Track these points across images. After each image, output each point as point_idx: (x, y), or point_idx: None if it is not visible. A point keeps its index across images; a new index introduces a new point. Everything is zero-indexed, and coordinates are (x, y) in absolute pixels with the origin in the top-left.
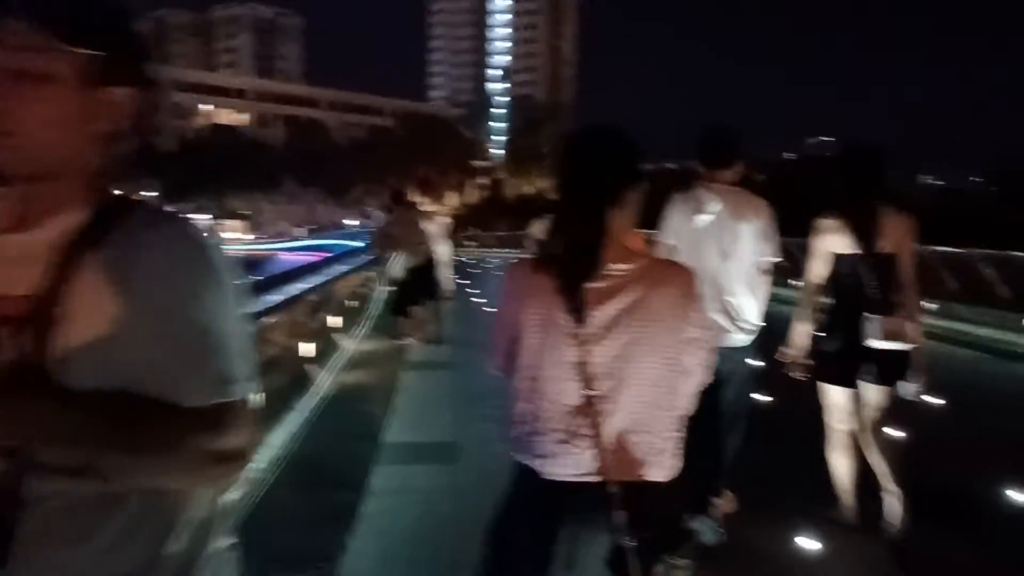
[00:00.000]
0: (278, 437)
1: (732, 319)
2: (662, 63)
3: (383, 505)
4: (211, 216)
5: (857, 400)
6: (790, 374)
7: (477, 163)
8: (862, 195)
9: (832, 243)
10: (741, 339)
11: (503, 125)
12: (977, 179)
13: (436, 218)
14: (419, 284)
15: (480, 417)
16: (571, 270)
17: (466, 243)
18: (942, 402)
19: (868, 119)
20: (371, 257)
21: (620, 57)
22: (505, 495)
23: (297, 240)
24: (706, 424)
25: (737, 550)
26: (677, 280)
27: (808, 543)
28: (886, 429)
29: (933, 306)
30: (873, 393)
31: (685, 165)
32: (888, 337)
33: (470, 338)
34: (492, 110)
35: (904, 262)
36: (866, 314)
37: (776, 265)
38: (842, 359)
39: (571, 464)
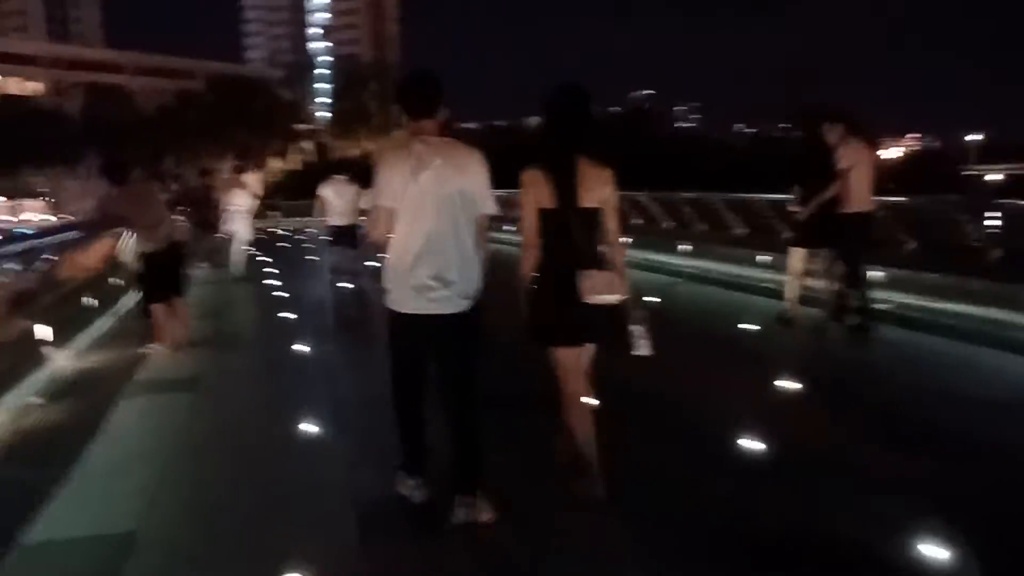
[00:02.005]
0: None
1: (451, 282)
2: (492, 18)
3: None
4: (5, 196)
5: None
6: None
7: (300, 126)
8: (562, 145)
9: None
10: (463, 304)
11: (328, 87)
12: (785, 125)
13: (237, 191)
14: (159, 275)
15: (191, 477)
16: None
17: (269, 213)
18: None
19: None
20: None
21: (446, 13)
22: None
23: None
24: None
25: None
26: None
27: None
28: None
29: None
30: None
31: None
32: (600, 291)
33: (237, 338)
34: (316, 71)
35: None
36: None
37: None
38: (561, 318)
39: None
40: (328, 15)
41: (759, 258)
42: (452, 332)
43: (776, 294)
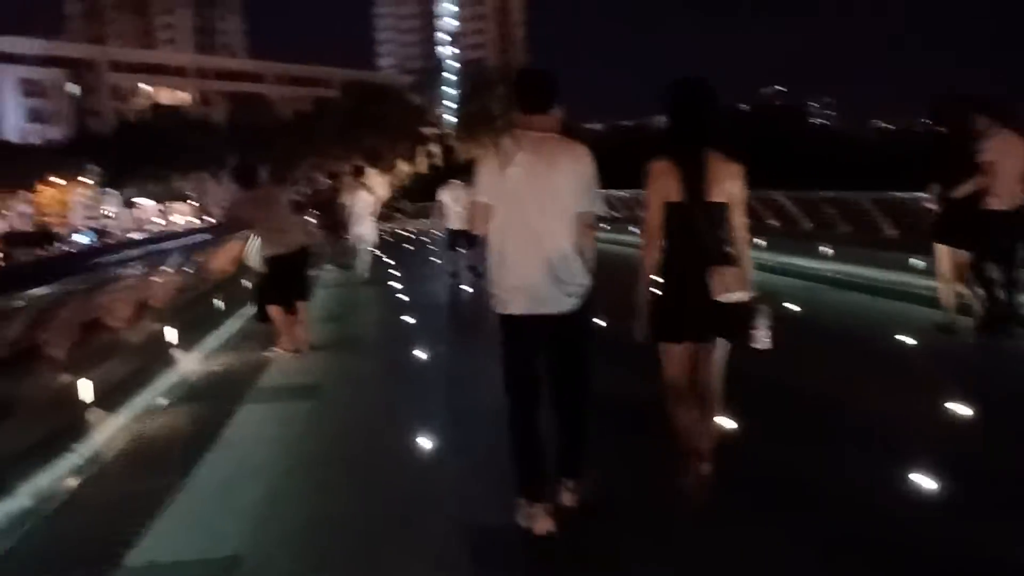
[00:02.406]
0: None
1: (556, 281)
2: (615, 18)
3: None
4: (156, 200)
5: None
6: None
7: (427, 130)
8: (690, 138)
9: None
10: (569, 303)
11: (455, 91)
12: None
13: (362, 194)
14: (282, 280)
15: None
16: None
17: (396, 216)
18: None
19: (823, 69)
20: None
21: (572, 16)
22: None
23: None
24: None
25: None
26: None
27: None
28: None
29: None
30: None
31: (642, 122)
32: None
33: (358, 341)
34: (444, 75)
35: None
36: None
37: (606, 218)
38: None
39: None
40: (456, 22)
41: (912, 262)
42: (560, 332)
43: (932, 302)
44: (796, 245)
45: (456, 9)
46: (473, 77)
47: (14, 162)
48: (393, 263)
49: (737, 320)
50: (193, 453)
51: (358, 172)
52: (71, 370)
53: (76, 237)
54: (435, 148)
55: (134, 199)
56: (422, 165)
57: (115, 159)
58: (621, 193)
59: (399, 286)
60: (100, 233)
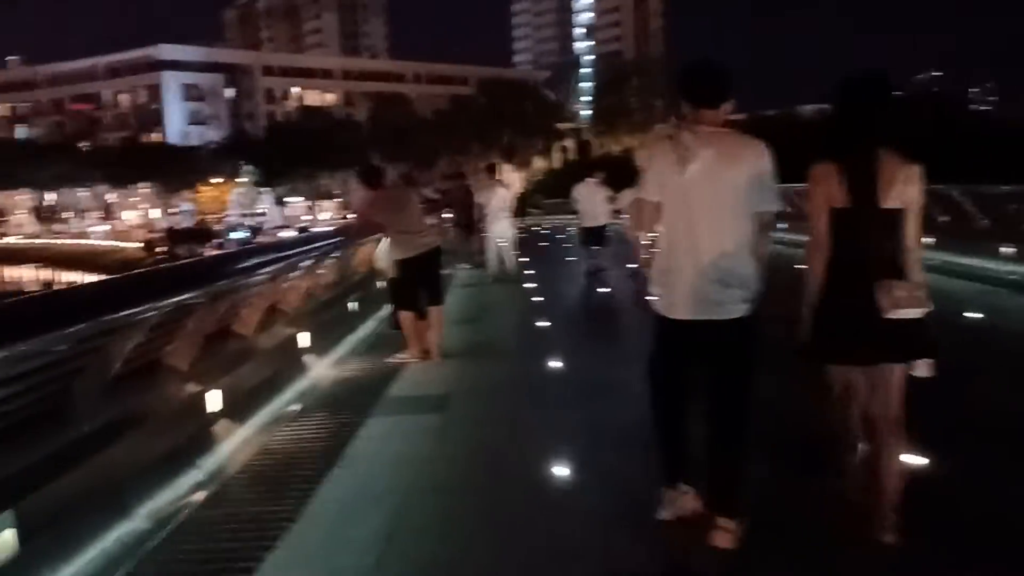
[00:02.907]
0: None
1: (729, 285)
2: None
3: None
4: (304, 198)
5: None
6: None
7: (563, 125)
8: (861, 136)
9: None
10: (740, 309)
11: (591, 84)
12: None
13: (497, 191)
14: (413, 283)
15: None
16: None
17: (532, 211)
18: None
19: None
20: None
21: (711, 5)
22: None
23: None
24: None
25: None
26: None
27: None
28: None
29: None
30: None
31: (789, 112)
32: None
33: (491, 348)
34: (580, 70)
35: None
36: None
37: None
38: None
39: None
40: (592, 14)
41: None
42: (725, 340)
43: None
44: (970, 244)
45: (592, 1)
46: (608, 70)
47: (178, 164)
48: (527, 260)
49: (908, 341)
50: (316, 473)
51: (491, 170)
52: (200, 378)
53: (232, 236)
54: (569, 143)
55: (285, 198)
56: (556, 160)
57: (267, 159)
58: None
59: (533, 285)
60: (254, 231)
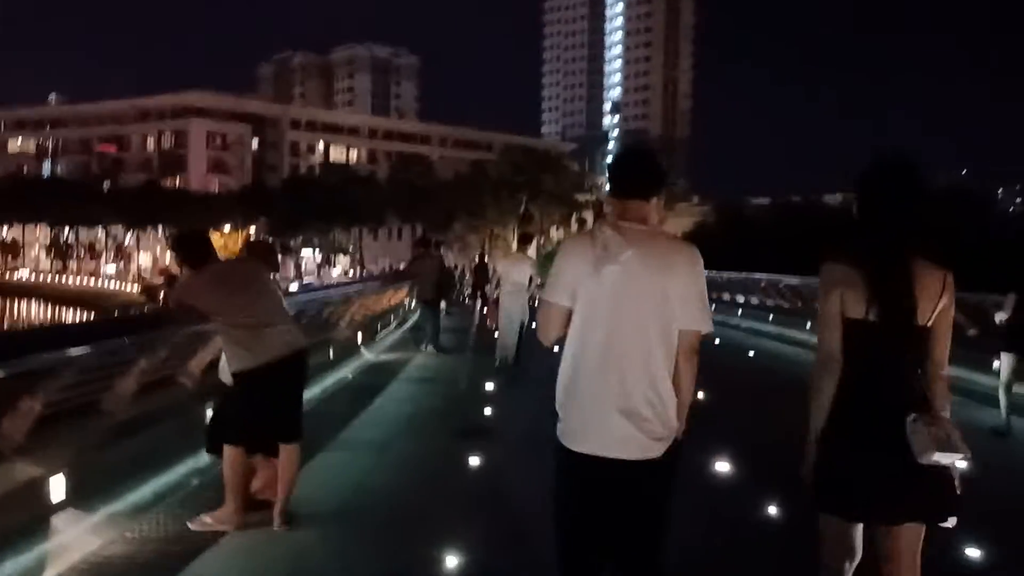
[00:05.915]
0: None
1: (644, 418)
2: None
3: None
4: (317, 249)
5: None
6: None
7: (582, 196)
8: (888, 237)
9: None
10: (655, 448)
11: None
12: None
13: (515, 264)
14: (258, 405)
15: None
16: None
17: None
18: None
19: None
20: None
21: (738, 90)
22: None
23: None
24: None
25: None
26: None
27: None
28: None
29: None
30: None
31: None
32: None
33: (376, 507)
34: (604, 145)
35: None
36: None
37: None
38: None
39: None
40: (620, 90)
41: None
42: (634, 485)
43: None
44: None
45: (623, 79)
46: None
47: (193, 210)
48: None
49: (939, 494)
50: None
51: (525, 240)
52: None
53: None
54: (588, 215)
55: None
56: (575, 231)
57: (283, 211)
58: (791, 280)
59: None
60: None
